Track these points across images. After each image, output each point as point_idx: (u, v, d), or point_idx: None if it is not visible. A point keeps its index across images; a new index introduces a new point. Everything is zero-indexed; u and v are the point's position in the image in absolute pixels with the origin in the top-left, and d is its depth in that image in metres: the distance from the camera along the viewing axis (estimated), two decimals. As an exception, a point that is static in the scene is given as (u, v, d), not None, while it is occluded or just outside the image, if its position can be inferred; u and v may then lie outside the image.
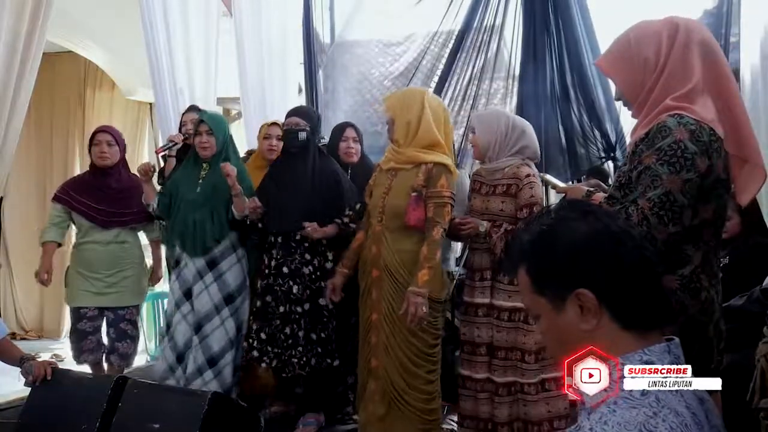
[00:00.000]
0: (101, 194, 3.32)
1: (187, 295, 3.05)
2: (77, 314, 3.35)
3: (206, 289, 3.01)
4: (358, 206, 2.93)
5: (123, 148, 3.42)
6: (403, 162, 2.63)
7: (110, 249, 3.32)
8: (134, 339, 3.37)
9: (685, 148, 1.49)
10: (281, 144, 3.28)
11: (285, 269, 2.97)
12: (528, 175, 2.59)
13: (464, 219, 2.65)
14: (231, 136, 3.18)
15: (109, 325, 3.34)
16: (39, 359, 2.62)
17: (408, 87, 2.94)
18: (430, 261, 2.48)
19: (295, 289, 2.94)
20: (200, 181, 3.09)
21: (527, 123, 2.76)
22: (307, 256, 2.95)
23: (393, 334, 2.59)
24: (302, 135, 2.98)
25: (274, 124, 3.46)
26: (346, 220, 2.93)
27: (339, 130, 3.38)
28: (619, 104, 4.54)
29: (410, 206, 2.54)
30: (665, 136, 1.51)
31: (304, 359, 2.92)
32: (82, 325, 3.32)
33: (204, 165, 3.11)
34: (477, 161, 3.27)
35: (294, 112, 3.09)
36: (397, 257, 2.59)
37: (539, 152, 2.79)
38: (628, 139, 4.06)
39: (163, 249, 3.58)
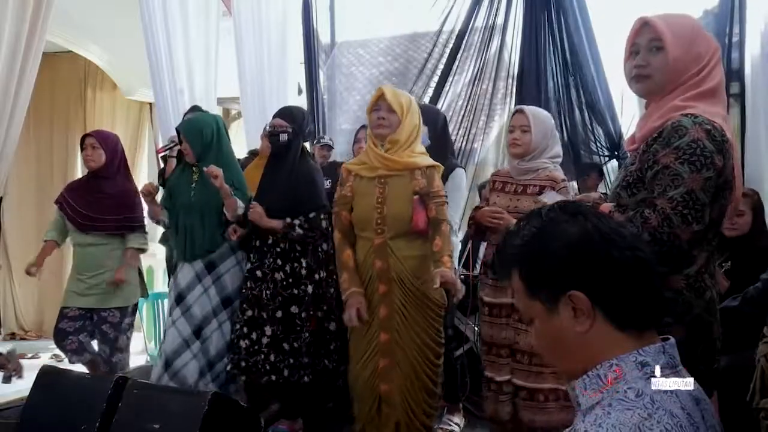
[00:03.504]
0: (87, 198, 3.35)
1: (178, 299, 3.02)
2: (60, 313, 3.38)
3: (206, 292, 2.99)
4: (311, 215, 2.84)
5: (112, 152, 3.39)
6: (399, 168, 2.52)
7: (91, 251, 3.33)
8: (112, 342, 3.32)
9: (704, 147, 1.49)
10: None
11: (258, 273, 2.94)
12: (563, 179, 2.59)
13: (496, 210, 2.54)
14: (216, 136, 3.08)
15: (94, 327, 3.34)
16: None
17: (399, 89, 2.78)
18: (448, 251, 2.45)
19: (264, 294, 2.91)
20: (193, 185, 3.07)
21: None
22: (279, 261, 2.90)
23: (409, 350, 2.49)
24: (283, 137, 2.94)
25: None
26: (296, 222, 2.84)
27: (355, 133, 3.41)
28: (619, 104, 4.59)
29: (416, 210, 2.46)
30: (682, 135, 1.50)
31: (269, 366, 2.86)
32: (63, 324, 3.34)
33: (194, 169, 3.09)
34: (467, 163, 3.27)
35: (278, 114, 3.05)
36: (407, 265, 2.49)
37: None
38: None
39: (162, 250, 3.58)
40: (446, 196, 2.55)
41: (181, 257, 3.04)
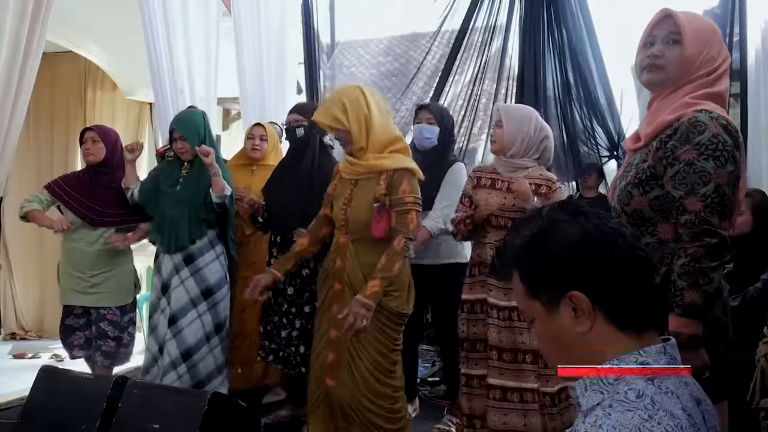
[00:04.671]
0: (93, 193, 3.33)
1: (163, 289, 3.12)
2: (66, 310, 3.39)
3: (182, 284, 3.06)
4: None
5: (113, 147, 3.38)
6: (364, 173, 2.42)
7: (95, 249, 3.31)
8: (118, 340, 3.31)
9: (725, 141, 1.50)
10: (264, 144, 3.38)
11: None
12: (558, 179, 2.62)
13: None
14: (208, 133, 3.18)
15: (92, 324, 3.34)
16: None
17: (338, 90, 2.65)
18: (385, 272, 2.28)
19: (290, 290, 2.95)
20: (181, 180, 3.15)
21: (549, 128, 2.73)
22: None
23: (357, 353, 2.40)
24: (300, 131, 2.97)
25: (258, 125, 3.52)
26: None
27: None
28: (619, 103, 4.59)
29: (374, 218, 2.35)
30: (701, 131, 1.50)
31: (299, 358, 2.91)
32: (69, 321, 3.36)
33: (185, 164, 3.17)
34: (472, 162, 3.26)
35: (294, 109, 3.09)
36: (361, 271, 2.39)
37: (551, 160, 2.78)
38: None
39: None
40: (416, 202, 2.38)
41: (166, 249, 3.12)
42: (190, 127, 3.13)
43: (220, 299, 3.12)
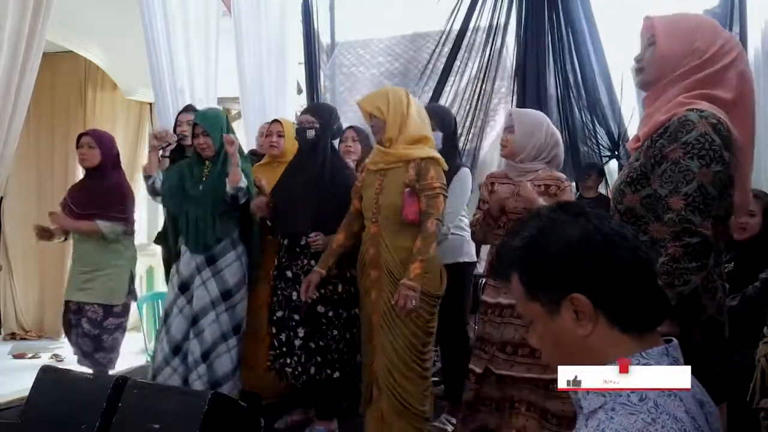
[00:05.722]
0: (82, 195, 3.38)
1: (182, 288, 3.08)
2: (65, 306, 3.43)
3: (203, 284, 3.03)
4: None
5: (108, 150, 3.39)
6: (393, 161, 2.60)
7: (89, 246, 3.34)
8: (96, 340, 3.30)
9: (712, 141, 1.49)
10: (281, 140, 3.33)
11: (289, 273, 2.95)
12: (567, 179, 2.66)
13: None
14: (230, 130, 3.15)
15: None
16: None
17: (386, 87, 2.86)
18: (423, 254, 2.46)
19: (294, 295, 2.90)
20: (203, 179, 3.12)
21: (559, 133, 2.76)
22: (312, 263, 2.88)
23: (393, 335, 2.56)
24: (310, 133, 2.94)
25: (275, 121, 3.47)
26: None
27: (342, 132, 3.41)
28: (620, 102, 4.58)
29: (405, 202, 2.52)
30: (690, 130, 1.51)
31: (300, 368, 2.88)
32: (67, 316, 3.40)
33: (207, 163, 3.13)
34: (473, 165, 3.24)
35: (306, 110, 3.11)
36: (396, 256, 2.56)
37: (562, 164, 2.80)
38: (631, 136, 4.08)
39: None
40: (443, 188, 2.55)
41: (192, 249, 3.08)
42: (214, 123, 3.08)
43: (238, 300, 3.09)
